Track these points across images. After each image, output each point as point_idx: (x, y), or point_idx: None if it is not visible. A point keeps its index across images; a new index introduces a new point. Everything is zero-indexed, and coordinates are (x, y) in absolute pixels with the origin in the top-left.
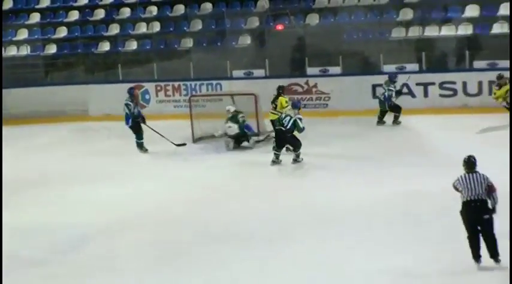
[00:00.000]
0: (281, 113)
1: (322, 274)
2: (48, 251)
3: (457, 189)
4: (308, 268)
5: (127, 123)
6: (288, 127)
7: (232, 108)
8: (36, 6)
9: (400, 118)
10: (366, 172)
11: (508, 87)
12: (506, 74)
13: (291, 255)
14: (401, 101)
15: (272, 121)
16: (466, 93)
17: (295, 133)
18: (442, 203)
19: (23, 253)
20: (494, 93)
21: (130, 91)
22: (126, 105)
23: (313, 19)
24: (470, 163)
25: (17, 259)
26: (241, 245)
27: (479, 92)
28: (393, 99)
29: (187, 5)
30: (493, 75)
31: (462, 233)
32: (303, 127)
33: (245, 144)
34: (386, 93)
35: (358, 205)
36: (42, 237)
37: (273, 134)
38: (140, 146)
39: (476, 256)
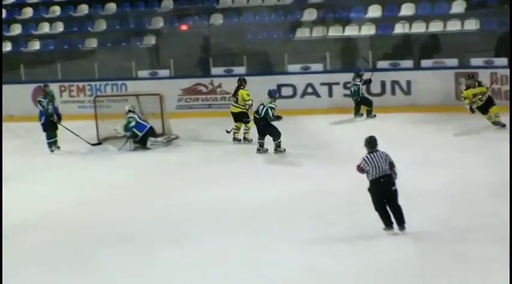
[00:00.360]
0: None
1: (227, 271)
2: None
3: (362, 170)
4: (213, 266)
5: (40, 120)
6: (261, 115)
7: (127, 108)
8: None
9: (370, 112)
10: (268, 170)
11: (475, 90)
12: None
13: (195, 255)
14: (306, 101)
15: (233, 114)
16: (369, 93)
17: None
18: (346, 200)
19: None
20: (462, 93)
21: (44, 88)
22: (39, 102)
23: (217, 19)
24: (372, 143)
25: None
26: (144, 246)
27: (383, 92)
28: (361, 93)
29: (91, 5)
30: (396, 76)
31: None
32: (274, 117)
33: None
34: (352, 88)
35: (261, 204)
36: None
37: (173, 137)
38: (49, 145)
39: (389, 223)
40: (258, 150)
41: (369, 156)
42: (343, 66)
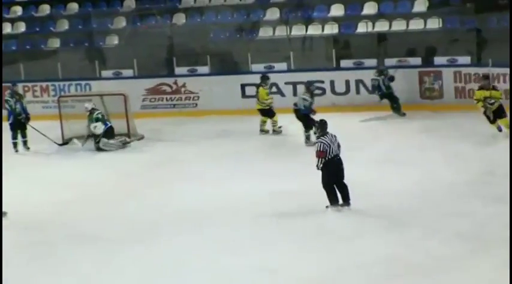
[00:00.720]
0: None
1: (190, 270)
2: None
3: (324, 152)
4: (178, 265)
5: (8, 120)
6: (298, 107)
7: (89, 106)
8: None
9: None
10: (233, 169)
11: (486, 93)
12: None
13: (160, 254)
14: (275, 99)
15: (259, 110)
16: (334, 92)
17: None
18: (306, 200)
19: None
20: (474, 94)
21: (10, 87)
22: (6, 101)
23: (180, 19)
24: (325, 125)
25: None
26: (110, 246)
27: (347, 91)
28: (383, 89)
29: (53, 5)
30: (359, 74)
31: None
32: (307, 108)
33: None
34: (372, 83)
35: (225, 202)
36: None
37: (129, 140)
38: (14, 145)
39: (336, 200)
40: (306, 142)
41: (325, 138)
42: (307, 66)
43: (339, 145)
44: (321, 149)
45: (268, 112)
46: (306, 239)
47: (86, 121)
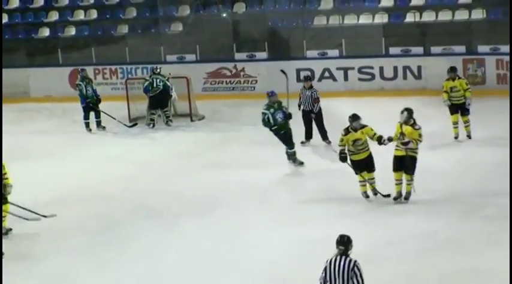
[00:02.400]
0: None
1: (244, 242)
2: None
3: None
4: (233, 237)
5: (81, 103)
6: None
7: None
8: None
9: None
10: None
11: (452, 83)
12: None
13: (217, 227)
14: (323, 84)
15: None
16: (382, 77)
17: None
18: (350, 178)
19: None
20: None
21: (80, 72)
22: (77, 85)
23: (240, 7)
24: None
25: None
26: (171, 218)
27: (395, 76)
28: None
29: None
30: (406, 61)
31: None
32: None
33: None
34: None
35: (280, 181)
36: None
37: (197, 119)
38: (86, 126)
39: (308, 136)
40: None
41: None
42: (358, 52)
43: (315, 100)
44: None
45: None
46: (343, 217)
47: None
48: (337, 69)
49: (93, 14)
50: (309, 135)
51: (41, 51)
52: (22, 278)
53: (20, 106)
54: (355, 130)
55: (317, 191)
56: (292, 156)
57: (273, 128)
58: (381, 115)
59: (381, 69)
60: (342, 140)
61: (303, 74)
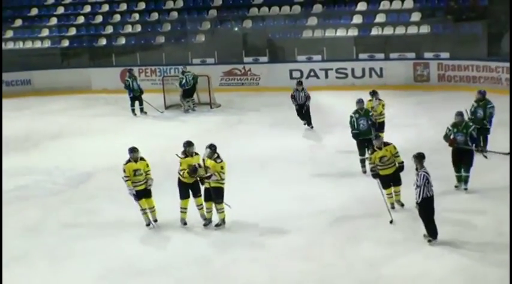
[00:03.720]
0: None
1: (254, 195)
2: (64, 184)
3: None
4: (252, 194)
5: (128, 94)
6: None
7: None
8: (54, 13)
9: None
10: (283, 129)
11: (369, 104)
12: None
13: (238, 184)
14: (310, 81)
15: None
16: (353, 76)
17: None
18: (331, 151)
19: (47, 185)
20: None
21: (128, 71)
22: (125, 80)
23: (248, 24)
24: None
25: (43, 190)
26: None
27: (363, 75)
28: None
29: (160, 13)
30: (371, 64)
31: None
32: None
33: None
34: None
35: (278, 152)
36: (59, 174)
37: (216, 106)
38: (132, 111)
39: (304, 121)
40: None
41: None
42: (335, 57)
43: (307, 98)
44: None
45: None
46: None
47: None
48: (320, 69)
49: (138, 28)
50: (309, 122)
51: (99, 55)
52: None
53: (84, 96)
54: (380, 148)
55: (303, 164)
56: (361, 162)
57: (353, 131)
58: (352, 104)
59: (353, 69)
60: (370, 159)
61: (294, 74)
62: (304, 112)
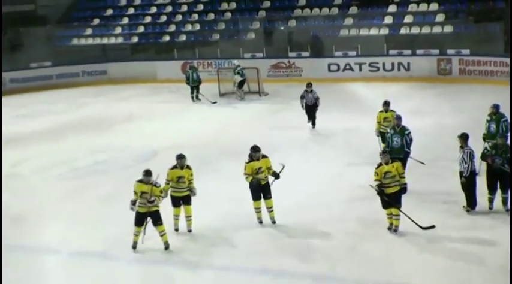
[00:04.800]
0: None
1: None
2: (133, 160)
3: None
4: (307, 174)
5: (188, 84)
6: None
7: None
8: (126, 13)
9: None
10: (319, 114)
11: (383, 115)
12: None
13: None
14: (345, 74)
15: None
16: (384, 69)
17: None
18: (364, 135)
19: (119, 161)
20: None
21: (190, 64)
22: (186, 72)
23: (292, 23)
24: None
25: (115, 164)
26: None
27: (392, 69)
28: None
29: (216, 13)
30: (400, 59)
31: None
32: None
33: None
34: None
35: (317, 134)
36: (129, 152)
37: (264, 95)
38: (192, 98)
39: (311, 120)
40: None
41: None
42: (368, 53)
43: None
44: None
45: None
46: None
47: (232, 75)
48: (355, 63)
49: (197, 26)
50: (313, 123)
51: (163, 50)
52: None
53: (150, 85)
54: (387, 164)
55: (337, 145)
56: None
57: (386, 148)
58: (381, 92)
59: (383, 64)
60: (376, 174)
61: (332, 67)
62: (311, 112)
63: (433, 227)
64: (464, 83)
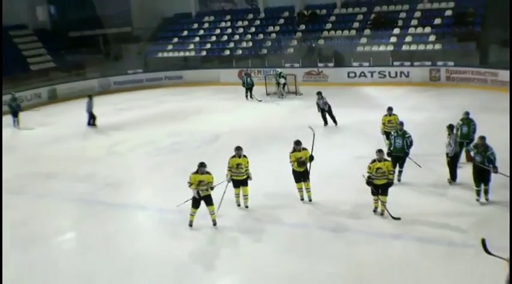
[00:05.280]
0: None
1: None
2: (201, 142)
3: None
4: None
5: (243, 86)
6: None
7: (279, 70)
8: (197, 34)
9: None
10: (340, 110)
11: (390, 118)
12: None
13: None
14: (360, 79)
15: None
16: (390, 77)
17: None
18: (374, 125)
19: (190, 143)
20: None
21: (245, 71)
22: (242, 77)
23: (321, 41)
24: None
25: (187, 145)
26: (285, 143)
27: (395, 76)
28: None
29: (264, 34)
30: (402, 68)
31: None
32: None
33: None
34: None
35: (339, 124)
36: (198, 136)
37: (299, 94)
38: (246, 96)
39: (325, 122)
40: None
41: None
42: (378, 64)
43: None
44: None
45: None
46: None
47: (276, 78)
48: (368, 72)
49: (250, 44)
50: (325, 122)
51: (225, 61)
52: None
53: (215, 87)
54: (380, 161)
55: (346, 136)
56: (398, 175)
57: (389, 149)
58: (388, 94)
59: (389, 72)
60: (369, 168)
61: (350, 74)
62: (323, 115)
63: (398, 219)
64: (450, 87)
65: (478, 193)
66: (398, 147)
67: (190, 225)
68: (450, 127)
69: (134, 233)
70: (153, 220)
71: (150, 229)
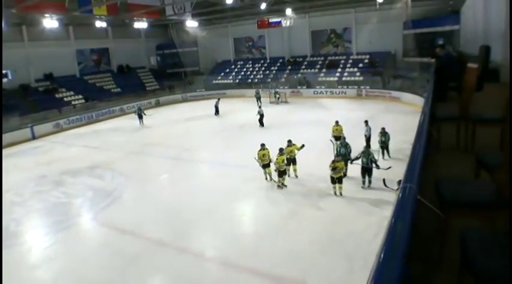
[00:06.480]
0: None
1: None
2: (235, 127)
3: None
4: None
5: (255, 97)
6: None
7: (277, 89)
8: (234, 70)
9: None
10: (309, 111)
11: (335, 127)
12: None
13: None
14: (321, 95)
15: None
16: (336, 94)
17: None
18: (330, 120)
19: (227, 127)
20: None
21: (257, 91)
22: (256, 92)
23: (299, 75)
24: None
25: (228, 127)
26: (278, 128)
27: (340, 93)
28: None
29: (265, 70)
30: (343, 90)
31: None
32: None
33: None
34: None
35: (313, 120)
36: (232, 123)
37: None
38: (257, 104)
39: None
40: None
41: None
42: (329, 87)
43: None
44: None
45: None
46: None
47: (274, 94)
48: (324, 91)
49: (261, 76)
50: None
51: (247, 85)
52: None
53: (242, 98)
54: (337, 161)
55: (313, 125)
56: (369, 183)
57: (336, 154)
58: (335, 105)
59: (335, 91)
60: (330, 166)
61: (314, 92)
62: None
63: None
64: (367, 99)
65: (364, 183)
66: (342, 153)
67: (266, 179)
68: (366, 122)
69: (203, 174)
70: (215, 170)
71: (212, 176)
